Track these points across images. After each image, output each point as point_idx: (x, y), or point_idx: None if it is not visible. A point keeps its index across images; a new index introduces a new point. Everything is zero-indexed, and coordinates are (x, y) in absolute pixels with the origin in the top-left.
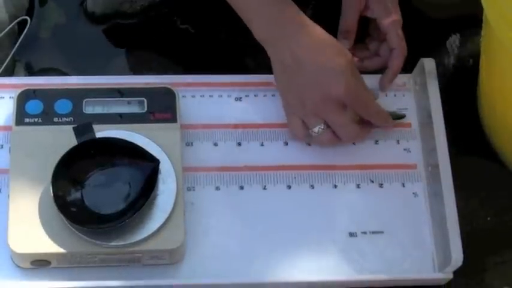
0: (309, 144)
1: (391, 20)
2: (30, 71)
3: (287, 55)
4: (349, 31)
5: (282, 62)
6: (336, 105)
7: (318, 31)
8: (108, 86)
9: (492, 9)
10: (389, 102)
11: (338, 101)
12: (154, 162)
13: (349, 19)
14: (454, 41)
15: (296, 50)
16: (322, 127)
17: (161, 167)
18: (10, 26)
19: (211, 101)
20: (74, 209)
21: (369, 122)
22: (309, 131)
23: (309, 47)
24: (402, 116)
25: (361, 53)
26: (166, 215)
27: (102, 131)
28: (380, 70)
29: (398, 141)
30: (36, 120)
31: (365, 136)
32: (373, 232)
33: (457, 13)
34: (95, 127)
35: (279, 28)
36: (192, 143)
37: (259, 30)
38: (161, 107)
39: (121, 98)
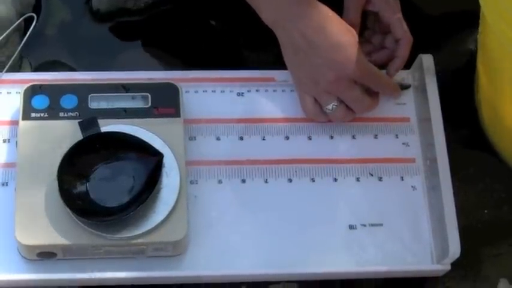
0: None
1: (393, 13)
2: (37, 67)
3: (297, 37)
4: (353, 25)
5: (293, 44)
6: (348, 82)
7: (325, 10)
8: (112, 81)
9: (490, 8)
10: (389, 97)
11: (351, 77)
12: (158, 156)
13: (352, 14)
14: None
15: (305, 31)
16: (336, 103)
17: (165, 160)
18: (17, 22)
19: (214, 96)
20: (79, 202)
21: (376, 93)
22: (323, 109)
23: (318, 27)
24: (408, 86)
25: (365, 47)
26: (169, 208)
27: (107, 126)
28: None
29: (397, 136)
30: (42, 114)
31: (375, 106)
32: (373, 225)
33: (456, 9)
34: (100, 122)
35: (286, 10)
36: (195, 137)
37: (268, 14)
38: (165, 102)
39: (125, 93)
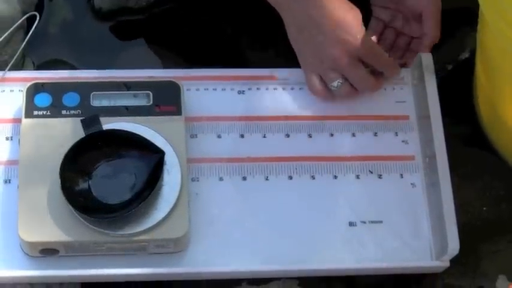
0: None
1: (434, 8)
2: (39, 65)
3: (301, 16)
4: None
5: (298, 24)
6: (353, 60)
7: None
8: (114, 79)
9: (489, 7)
10: (388, 95)
11: (355, 55)
12: (159, 153)
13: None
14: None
15: (311, 11)
16: (341, 81)
17: (166, 158)
18: (20, 21)
19: (215, 94)
20: (81, 199)
21: (379, 74)
22: (328, 86)
23: (322, 6)
24: (404, 64)
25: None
26: (171, 205)
27: (109, 123)
28: None
29: (396, 133)
30: (44, 112)
31: (379, 87)
32: (372, 222)
33: (455, 8)
34: (102, 119)
35: None
36: (196, 135)
37: None
38: (166, 100)
39: (127, 91)
